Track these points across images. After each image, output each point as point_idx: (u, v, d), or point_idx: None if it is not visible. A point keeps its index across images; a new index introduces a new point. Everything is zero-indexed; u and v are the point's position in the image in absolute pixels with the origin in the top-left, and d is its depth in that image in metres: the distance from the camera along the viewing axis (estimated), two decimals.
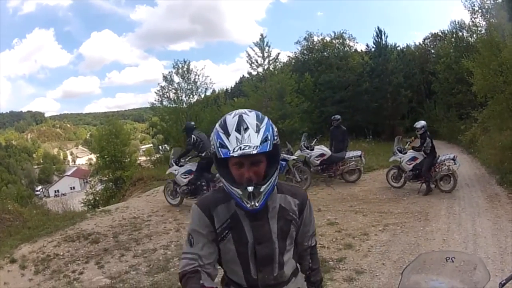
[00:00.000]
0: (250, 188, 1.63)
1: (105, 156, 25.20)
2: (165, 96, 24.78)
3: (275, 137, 1.67)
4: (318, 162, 11.14)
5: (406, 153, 10.04)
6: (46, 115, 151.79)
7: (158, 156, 30.21)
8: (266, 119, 1.68)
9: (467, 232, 6.64)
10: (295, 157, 10.94)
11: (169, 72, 24.96)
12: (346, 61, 26.37)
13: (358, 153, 11.33)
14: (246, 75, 27.23)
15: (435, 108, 24.25)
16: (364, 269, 5.45)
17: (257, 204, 1.65)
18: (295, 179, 10.57)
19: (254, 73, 24.99)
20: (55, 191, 76.79)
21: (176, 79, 24.63)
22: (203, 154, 9.14)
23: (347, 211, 8.48)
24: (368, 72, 26.04)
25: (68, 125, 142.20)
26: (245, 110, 1.71)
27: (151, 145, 40.40)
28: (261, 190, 1.65)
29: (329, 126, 12.52)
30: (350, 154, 11.30)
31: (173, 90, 24.60)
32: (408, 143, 10.40)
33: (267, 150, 1.59)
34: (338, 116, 11.90)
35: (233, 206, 1.73)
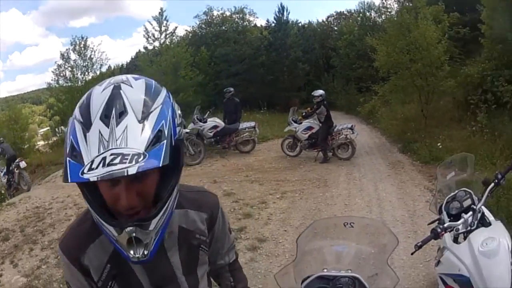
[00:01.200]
0: (129, 230, 0.96)
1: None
2: (62, 75, 23.34)
3: (177, 126, 1.01)
4: (211, 134, 11.13)
5: (301, 123, 10.22)
6: None
7: (55, 139, 28.46)
8: (163, 92, 1.03)
9: (370, 197, 6.83)
10: (188, 130, 10.82)
11: (66, 50, 23.54)
12: (244, 35, 26.63)
13: (252, 124, 11.47)
14: (143, 50, 26.37)
15: (333, 81, 25.23)
16: (266, 237, 5.53)
17: (145, 253, 1.00)
18: (189, 152, 10.51)
19: (150, 47, 24.65)
20: None
21: (73, 56, 23.30)
22: None
23: (243, 181, 8.52)
24: (265, 46, 26.36)
25: None
26: (128, 76, 1.04)
27: (49, 128, 37.34)
28: (150, 229, 0.99)
29: (222, 99, 12.54)
30: (243, 125, 11.42)
31: (69, 68, 23.20)
32: (304, 113, 10.55)
33: (160, 164, 0.89)
34: (230, 89, 12.00)
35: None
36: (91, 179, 0.85)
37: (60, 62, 23.34)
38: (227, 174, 9.27)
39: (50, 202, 8.99)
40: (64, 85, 23.40)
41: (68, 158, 0.91)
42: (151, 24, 23.72)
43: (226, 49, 25.66)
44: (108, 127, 0.89)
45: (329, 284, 1.67)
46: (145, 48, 25.52)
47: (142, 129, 0.90)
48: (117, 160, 0.85)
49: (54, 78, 23.62)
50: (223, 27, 28.48)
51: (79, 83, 23.20)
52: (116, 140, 0.88)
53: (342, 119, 15.10)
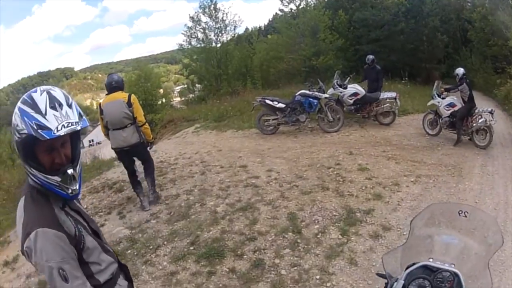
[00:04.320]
0: (70, 171, 1.57)
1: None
2: (193, 36, 24.19)
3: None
4: (351, 101, 10.69)
5: (445, 98, 9.47)
6: (76, 69, 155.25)
7: (192, 96, 29.97)
8: (69, 95, 1.60)
9: (499, 198, 6.20)
10: (328, 95, 10.47)
11: (196, 13, 24.30)
12: (380, 0, 24.85)
13: (393, 94, 10.76)
14: (279, 13, 26.27)
15: (471, 57, 22.81)
16: (391, 225, 5.21)
17: (77, 188, 1.61)
18: (327, 118, 10.23)
19: (286, 9, 24.50)
20: (90, 141, 77.87)
21: (204, 19, 23.95)
22: None
23: (379, 157, 8.11)
24: (403, 12, 24.53)
25: (100, 75, 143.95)
26: (49, 86, 1.57)
27: (185, 85, 39.77)
28: (78, 168, 1.62)
29: (363, 65, 11.92)
30: (385, 95, 10.76)
31: (201, 30, 23.96)
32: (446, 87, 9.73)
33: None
34: (371, 57, 11.30)
35: (59, 205, 1.63)
36: (63, 133, 1.46)
37: (190, 24, 24.10)
38: (364, 147, 8.86)
39: (176, 157, 9.30)
40: (197, 46, 24.19)
41: (39, 130, 1.44)
42: None
43: (364, 13, 24.31)
44: (57, 111, 1.48)
45: (431, 275, 1.74)
46: (281, 10, 25.46)
47: (72, 111, 1.53)
48: (70, 125, 1.48)
49: (186, 40, 24.47)
50: None
51: (213, 44, 23.94)
52: (64, 117, 1.49)
53: (480, 100, 13.58)
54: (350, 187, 6.50)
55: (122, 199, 6.97)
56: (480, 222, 1.93)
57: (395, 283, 1.78)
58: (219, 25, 23.78)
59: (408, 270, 1.77)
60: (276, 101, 10.46)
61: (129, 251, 5.12)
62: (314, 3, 24.96)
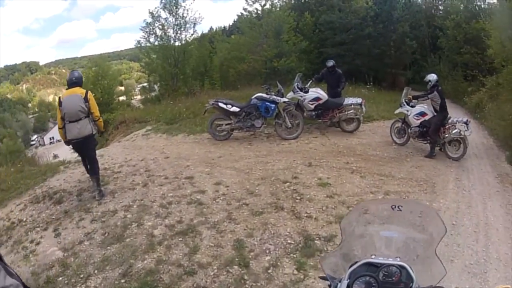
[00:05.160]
0: None
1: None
2: (151, 33, 22.94)
3: None
4: (312, 106, 9.87)
5: (414, 106, 8.91)
6: (41, 63, 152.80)
7: (149, 96, 29.23)
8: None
9: (478, 218, 5.76)
10: (287, 100, 9.60)
11: (156, 8, 22.93)
12: (349, 3, 24.44)
13: (359, 100, 10.03)
14: (244, 13, 24.91)
15: (440, 64, 22.84)
16: (357, 256, 4.36)
17: None
18: (285, 124, 9.37)
19: (251, 9, 23.46)
20: (50, 138, 76.43)
21: (164, 15, 22.69)
22: None
23: (342, 169, 7.42)
24: (372, 17, 24.22)
25: (64, 71, 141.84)
26: None
27: (146, 84, 38.94)
28: None
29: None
30: (349, 100, 10.03)
31: (160, 27, 22.71)
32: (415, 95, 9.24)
33: None
34: (331, 62, 10.61)
35: None
36: None
37: (150, 20, 22.87)
38: (325, 157, 8.09)
39: (121, 164, 8.53)
40: (156, 43, 23.06)
41: None
42: None
43: (331, 16, 23.88)
44: None
45: (375, 271, 1.67)
46: (245, 9, 24.30)
47: None
48: None
49: (144, 36, 23.24)
50: None
51: (172, 41, 22.75)
52: None
53: (449, 108, 13.10)
54: (308, 206, 5.80)
55: (60, 213, 6.42)
56: (417, 213, 1.93)
57: (339, 284, 1.69)
58: (178, 21, 22.61)
59: (351, 269, 1.70)
60: (230, 104, 9.51)
61: (60, 278, 4.67)
62: (280, 4, 24.32)
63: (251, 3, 23.01)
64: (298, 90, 9.99)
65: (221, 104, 9.48)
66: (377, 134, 10.09)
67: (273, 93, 9.46)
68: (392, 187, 6.60)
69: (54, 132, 75.22)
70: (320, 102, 9.81)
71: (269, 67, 20.55)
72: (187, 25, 22.65)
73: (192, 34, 23.07)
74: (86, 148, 6.71)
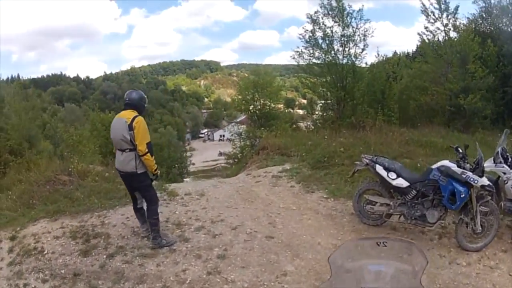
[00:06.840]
0: None
1: (251, 110, 25.30)
2: (313, 43, 19.88)
3: None
4: None
5: None
6: (222, 64, 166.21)
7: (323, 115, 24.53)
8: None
9: None
10: (487, 182, 5.37)
11: (316, 12, 19.75)
12: None
13: None
14: (425, 32, 19.89)
15: None
16: None
17: None
18: (473, 225, 5.36)
19: (432, 28, 19.10)
20: (221, 136, 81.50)
21: (328, 22, 19.42)
22: None
23: None
24: None
25: (246, 74, 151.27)
26: None
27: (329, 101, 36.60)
28: None
29: None
30: None
31: (321, 36, 19.49)
32: None
33: None
34: None
35: None
36: None
37: (310, 27, 19.92)
38: None
39: (201, 225, 6.31)
40: (317, 56, 20.17)
41: None
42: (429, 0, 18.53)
43: None
44: None
45: None
46: (426, 27, 19.52)
47: None
48: None
49: (304, 47, 20.35)
50: (504, 19, 20.36)
51: (340, 56, 19.70)
52: None
53: None
54: None
55: (70, 272, 5.20)
56: (400, 248, 2.17)
57: None
58: (345, 32, 19.20)
59: None
60: (393, 171, 5.87)
61: None
62: (462, 27, 19.60)
63: (432, 20, 18.99)
64: (502, 160, 5.82)
65: (378, 169, 5.97)
66: None
67: (467, 163, 5.42)
68: None
69: (227, 130, 79.30)
70: None
71: (454, 104, 16.73)
72: (355, 37, 19.24)
73: (362, 50, 19.53)
74: (132, 187, 5.61)
